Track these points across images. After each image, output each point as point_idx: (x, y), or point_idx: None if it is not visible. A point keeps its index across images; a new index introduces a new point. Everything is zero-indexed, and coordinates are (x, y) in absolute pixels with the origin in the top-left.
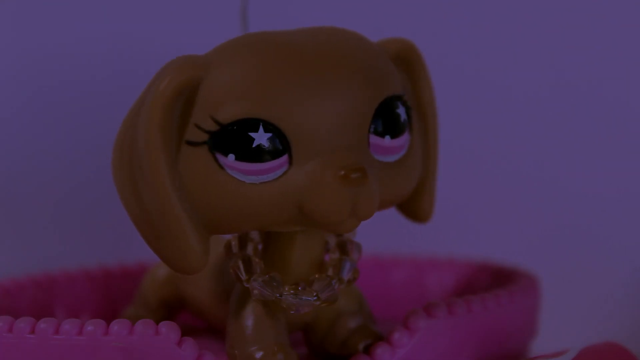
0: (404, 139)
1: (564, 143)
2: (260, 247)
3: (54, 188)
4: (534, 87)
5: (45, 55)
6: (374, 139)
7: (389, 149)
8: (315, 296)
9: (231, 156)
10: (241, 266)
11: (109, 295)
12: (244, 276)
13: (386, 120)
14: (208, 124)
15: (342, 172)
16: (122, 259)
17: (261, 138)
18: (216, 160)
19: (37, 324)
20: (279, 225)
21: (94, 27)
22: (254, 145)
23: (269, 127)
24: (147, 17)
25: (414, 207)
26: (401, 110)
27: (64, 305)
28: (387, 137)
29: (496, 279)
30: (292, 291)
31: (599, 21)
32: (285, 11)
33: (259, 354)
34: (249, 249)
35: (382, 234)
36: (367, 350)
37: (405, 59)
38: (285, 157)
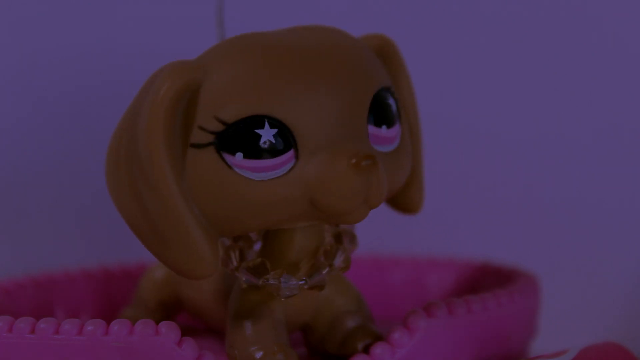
0: (397, 129)
1: (564, 143)
2: (256, 243)
3: (54, 188)
4: (534, 87)
5: (45, 57)
6: (372, 130)
7: (386, 138)
8: (303, 280)
9: (239, 154)
10: (232, 255)
11: (109, 295)
12: (234, 264)
13: (380, 110)
14: (213, 125)
15: (354, 160)
16: (122, 259)
17: (267, 134)
18: (224, 160)
19: (37, 324)
20: (289, 221)
21: (93, 27)
22: (261, 142)
23: (274, 123)
24: (147, 18)
25: (404, 199)
26: (391, 101)
27: (64, 305)
28: (384, 127)
29: (496, 279)
30: (281, 278)
31: (597, 21)
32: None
33: (259, 354)
34: (242, 242)
35: (381, 234)
36: (367, 350)
37: (385, 54)
38: (291, 152)
